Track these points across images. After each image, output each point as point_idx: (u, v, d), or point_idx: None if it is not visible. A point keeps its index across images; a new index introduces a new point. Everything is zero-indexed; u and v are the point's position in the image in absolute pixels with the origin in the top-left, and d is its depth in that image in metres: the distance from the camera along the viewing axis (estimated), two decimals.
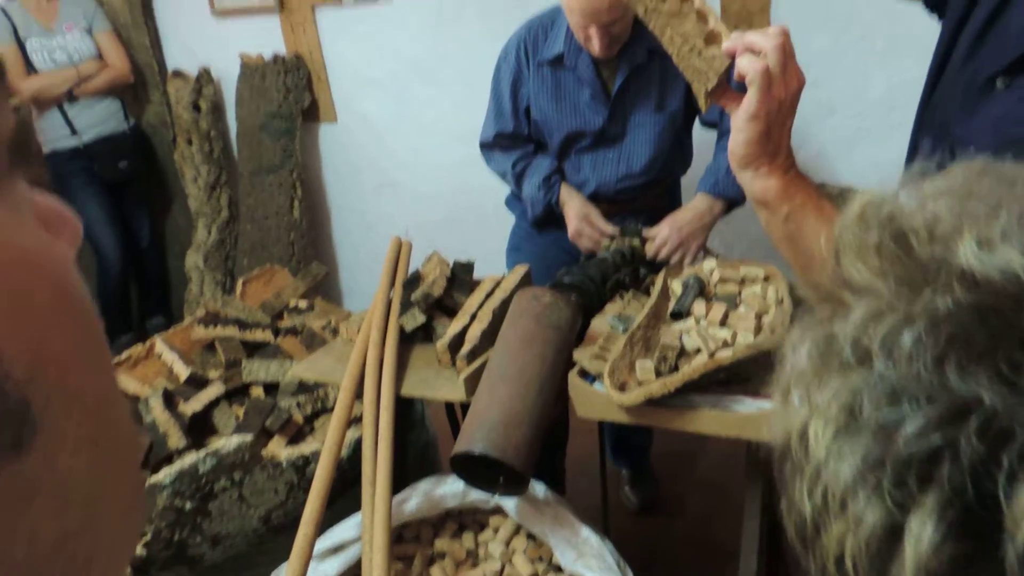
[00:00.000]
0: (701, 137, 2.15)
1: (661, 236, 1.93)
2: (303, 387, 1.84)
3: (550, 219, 2.10)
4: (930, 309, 0.31)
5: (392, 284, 1.84)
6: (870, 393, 0.32)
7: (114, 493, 0.27)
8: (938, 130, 1.04)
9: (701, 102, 0.92)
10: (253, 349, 2.01)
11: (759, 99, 0.82)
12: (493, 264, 2.21)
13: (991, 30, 0.98)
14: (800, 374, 0.36)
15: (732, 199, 1.98)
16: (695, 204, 1.97)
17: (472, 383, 1.49)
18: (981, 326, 0.30)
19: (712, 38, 0.89)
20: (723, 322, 1.49)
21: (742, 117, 0.84)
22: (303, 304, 2.21)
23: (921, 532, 0.29)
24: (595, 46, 1.80)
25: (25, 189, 0.26)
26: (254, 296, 2.23)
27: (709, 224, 1.98)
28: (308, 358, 1.79)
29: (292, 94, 3.18)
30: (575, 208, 2.01)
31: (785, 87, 0.82)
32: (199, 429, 1.77)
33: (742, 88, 0.87)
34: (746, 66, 0.83)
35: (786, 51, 0.82)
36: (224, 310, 2.09)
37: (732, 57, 0.86)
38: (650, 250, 1.92)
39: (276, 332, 2.02)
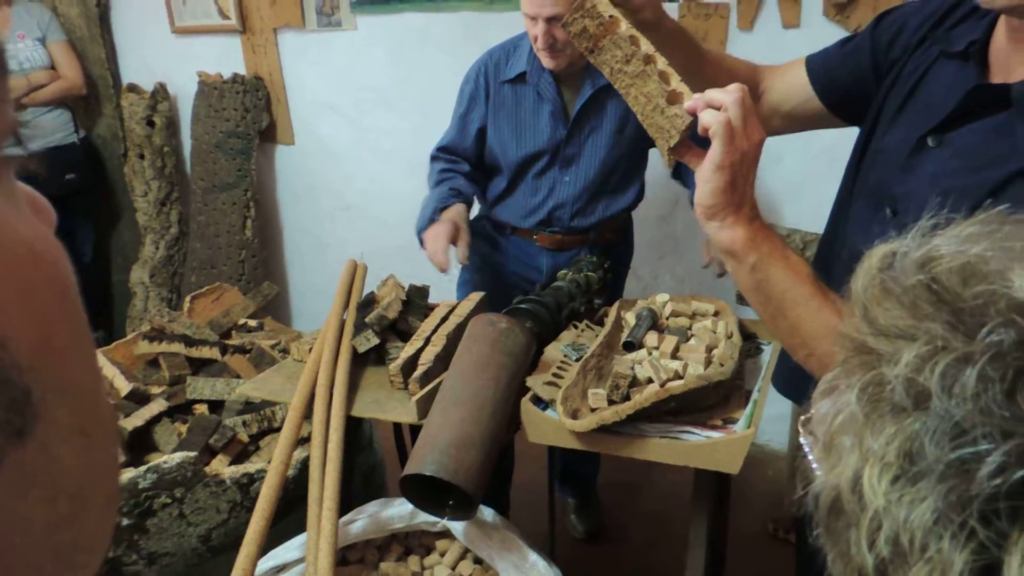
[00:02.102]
0: (653, 175, 2.20)
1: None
2: (249, 406, 1.81)
3: (496, 246, 2.09)
4: (992, 344, 0.32)
5: (346, 305, 1.83)
6: (932, 434, 0.32)
7: (99, 482, 0.27)
8: (874, 188, 1.09)
9: (664, 159, 0.95)
10: (199, 366, 1.97)
11: (723, 150, 0.85)
12: (446, 293, 2.21)
13: (912, 99, 1.05)
14: (847, 422, 0.36)
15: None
16: None
17: (424, 406, 1.49)
18: None
19: (674, 98, 0.93)
20: (674, 354, 1.52)
21: (708, 168, 0.87)
22: (252, 323, 2.18)
23: (1022, 568, 0.29)
24: (540, 44, 1.83)
25: (15, 181, 0.27)
26: (202, 313, 2.19)
27: None
28: (257, 377, 1.76)
29: (250, 114, 3.16)
30: (453, 217, 1.95)
31: (747, 138, 0.86)
32: (139, 446, 1.72)
33: (704, 144, 0.91)
34: (709, 120, 0.86)
35: (745, 105, 0.86)
36: (170, 326, 2.05)
37: (694, 115, 0.90)
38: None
39: (224, 350, 1.99)
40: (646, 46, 0.96)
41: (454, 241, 1.92)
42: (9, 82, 0.26)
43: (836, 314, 0.90)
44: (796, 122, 1.28)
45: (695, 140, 0.94)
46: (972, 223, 0.38)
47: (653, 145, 2.06)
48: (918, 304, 0.35)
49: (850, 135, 1.23)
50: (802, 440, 0.44)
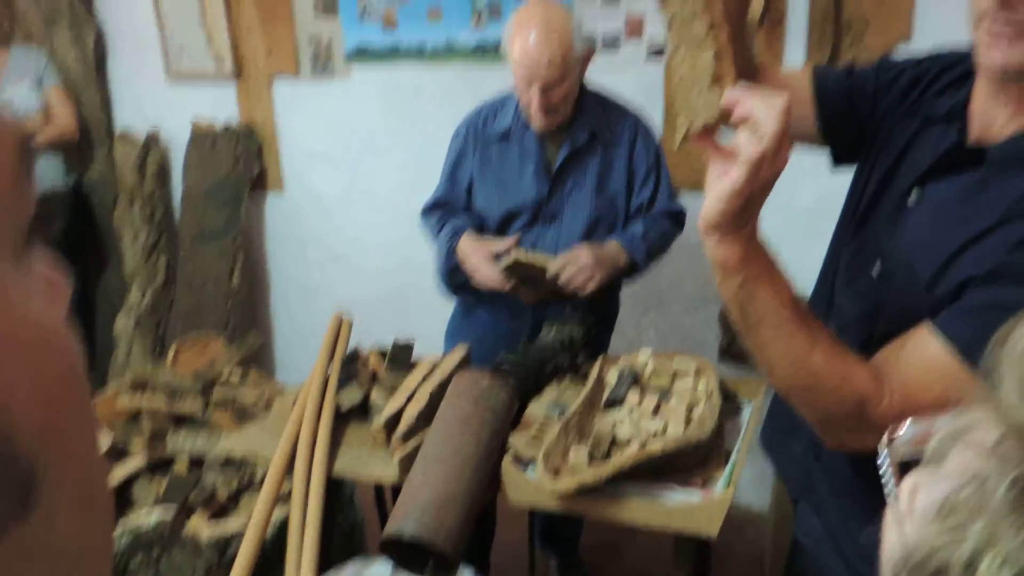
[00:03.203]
0: None
1: (585, 262, 1.90)
2: (229, 461, 1.80)
3: (456, 281, 2.12)
4: None
5: (330, 360, 1.83)
6: None
7: (97, 548, 0.29)
8: (861, 245, 1.11)
9: (676, 138, 0.88)
10: (180, 420, 1.95)
11: (746, 179, 0.82)
12: (434, 343, 2.22)
13: (900, 163, 1.07)
14: (985, 503, 0.35)
15: (635, 263, 2.01)
16: (606, 245, 1.98)
17: (406, 464, 1.48)
18: None
19: (719, 80, 0.85)
20: (655, 412, 1.53)
21: (725, 190, 0.83)
22: (236, 375, 2.17)
23: None
24: (533, 107, 1.87)
25: (35, 260, 0.28)
26: (186, 364, 2.18)
27: (610, 267, 1.95)
28: (238, 432, 1.76)
29: (241, 162, 3.19)
30: (470, 243, 1.99)
31: (772, 169, 0.82)
32: (117, 502, 1.70)
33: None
34: (743, 145, 0.81)
35: (783, 137, 0.81)
36: (153, 378, 2.04)
37: (728, 110, 0.84)
38: (572, 276, 1.89)
39: (207, 404, 1.98)
40: (717, 12, 0.87)
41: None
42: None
43: (805, 342, 0.91)
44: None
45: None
46: None
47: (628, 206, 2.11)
48: None
49: (833, 195, 1.25)
50: (882, 457, 0.43)
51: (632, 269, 2.03)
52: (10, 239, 0.26)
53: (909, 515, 0.40)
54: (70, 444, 0.26)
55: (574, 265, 1.90)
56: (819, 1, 2.26)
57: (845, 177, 1.23)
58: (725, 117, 0.84)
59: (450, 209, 2.14)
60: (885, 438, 0.46)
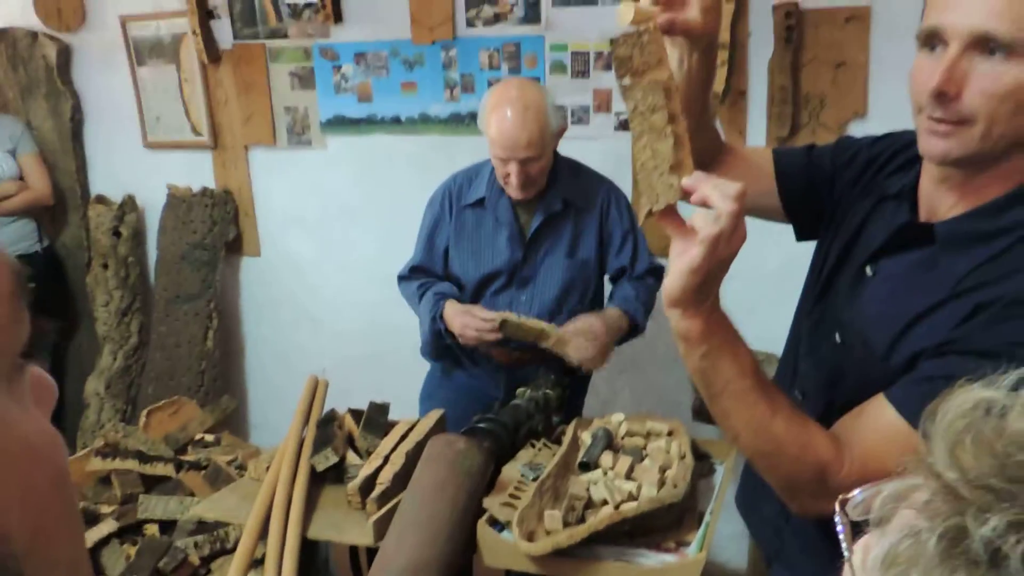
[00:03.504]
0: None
1: (601, 342, 1.97)
2: (202, 526, 1.78)
3: (441, 348, 2.14)
4: None
5: (306, 422, 1.84)
6: None
7: None
8: (822, 316, 1.17)
9: (640, 216, 0.94)
10: (152, 483, 1.94)
11: (704, 258, 0.86)
12: (408, 405, 2.23)
13: (857, 238, 1.13)
14: (919, 555, 0.39)
15: (637, 325, 2.09)
16: (611, 314, 2.06)
17: (381, 526, 1.49)
18: None
19: (677, 167, 0.90)
20: (629, 475, 1.55)
21: (684, 267, 0.88)
22: (210, 438, 2.16)
23: None
24: (513, 182, 1.94)
25: (26, 374, 0.30)
26: (158, 427, 2.16)
27: (616, 334, 2.04)
28: (212, 496, 1.75)
29: (218, 226, 3.22)
30: (456, 307, 2.05)
31: (729, 247, 0.87)
32: None
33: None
34: (700, 224, 0.86)
35: (738, 220, 0.86)
36: (124, 441, 2.03)
37: (687, 193, 0.89)
38: (590, 358, 1.95)
39: (179, 466, 1.97)
40: (676, 104, 0.93)
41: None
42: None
43: (767, 410, 0.95)
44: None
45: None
46: None
47: (605, 269, 2.18)
48: (1016, 472, 0.38)
49: (798, 259, 1.31)
50: (837, 519, 0.47)
51: (633, 332, 2.09)
52: (7, 367, 0.28)
53: (863, 571, 0.44)
54: (57, 546, 0.28)
55: (590, 337, 1.95)
56: (777, 78, 2.38)
57: (804, 248, 1.29)
58: (685, 198, 0.89)
59: (428, 275, 2.19)
60: (838, 503, 0.50)
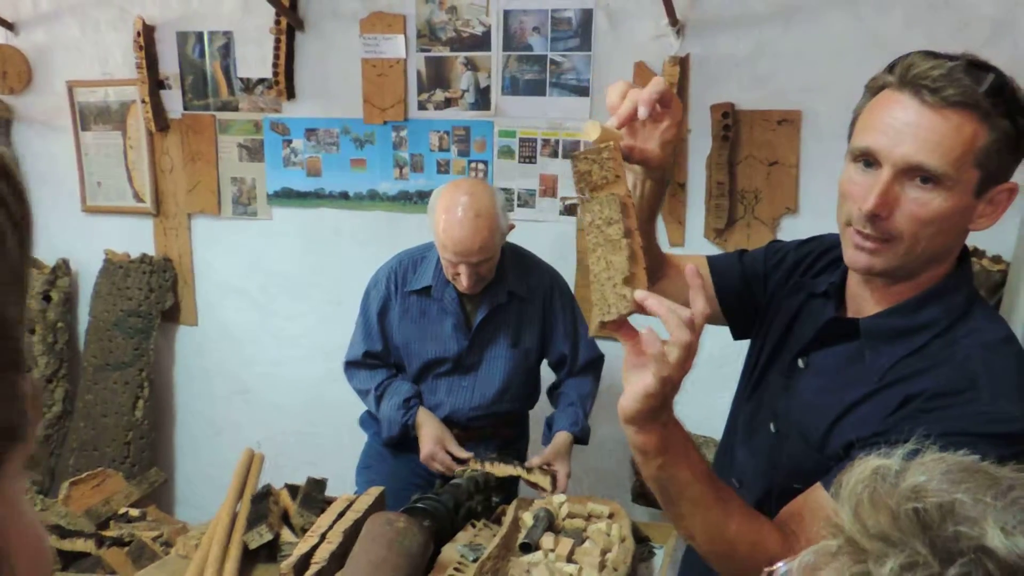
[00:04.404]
0: (548, 381, 2.30)
1: (563, 472, 2.04)
2: None
3: (404, 441, 2.14)
4: (962, 573, 0.42)
5: (240, 497, 1.79)
6: None
7: None
8: (758, 406, 1.22)
9: (592, 325, 0.95)
10: (71, 560, 1.84)
11: (657, 383, 0.89)
12: (344, 481, 2.19)
13: (789, 332, 1.20)
14: None
15: (584, 441, 2.17)
16: (563, 441, 2.11)
17: None
18: None
19: (631, 279, 0.93)
20: (570, 557, 1.55)
21: (640, 392, 0.91)
22: (135, 512, 2.08)
23: None
24: (463, 282, 1.97)
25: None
26: (80, 500, 2.07)
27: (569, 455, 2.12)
28: (135, 574, 1.67)
29: (155, 294, 3.16)
30: (431, 432, 2.07)
31: (682, 371, 0.90)
32: None
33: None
34: (652, 350, 0.88)
35: (691, 349, 0.89)
36: (43, 515, 1.93)
37: (638, 306, 0.91)
38: (560, 484, 1.99)
39: (100, 542, 1.88)
40: (632, 220, 0.96)
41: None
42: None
43: (721, 514, 0.98)
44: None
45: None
46: (951, 462, 0.50)
47: (544, 357, 2.22)
48: (906, 523, 0.45)
49: (735, 346, 1.36)
50: None
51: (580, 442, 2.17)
52: (26, 455, 0.31)
53: None
54: None
55: (563, 473, 2.04)
56: (715, 173, 2.50)
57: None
58: (637, 311, 0.92)
59: (380, 361, 2.18)
60: (764, 573, 0.55)
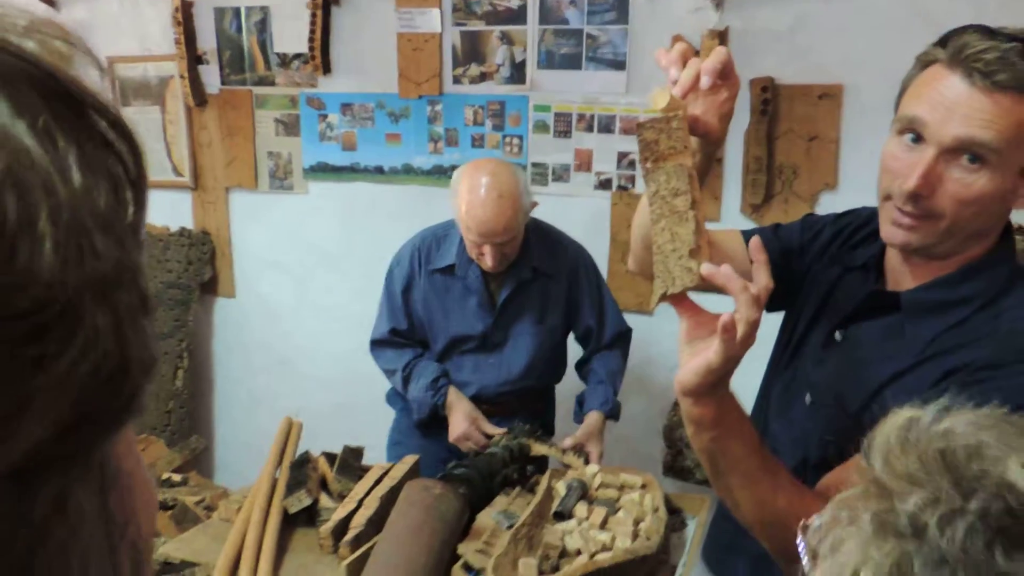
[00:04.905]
0: (574, 355, 2.31)
1: (596, 453, 2.05)
2: (169, 566, 1.74)
3: (433, 421, 2.16)
4: (983, 508, 0.43)
5: (279, 463, 1.83)
6: (922, 557, 0.43)
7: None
8: (793, 378, 1.22)
9: (654, 298, 0.96)
10: None
11: (722, 358, 0.90)
12: (379, 451, 2.22)
13: (825, 305, 1.19)
14: (857, 533, 0.47)
15: (615, 418, 2.18)
16: (595, 421, 2.11)
17: (355, 570, 1.47)
18: (1022, 524, 0.43)
19: (696, 252, 0.93)
20: (603, 525, 1.56)
21: (701, 368, 0.92)
22: (177, 477, 2.13)
23: None
24: (487, 261, 1.98)
25: None
26: None
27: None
28: (180, 536, 1.72)
29: (193, 266, 3.22)
30: (463, 411, 2.08)
31: (744, 347, 0.92)
32: None
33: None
34: (725, 322, 0.89)
35: (756, 326, 0.90)
36: None
37: (704, 280, 0.92)
38: (592, 464, 1.98)
39: None
40: (697, 191, 0.95)
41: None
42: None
43: (770, 487, 0.99)
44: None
45: None
46: (981, 414, 0.52)
47: (570, 332, 2.22)
48: (932, 463, 0.47)
49: (767, 328, 1.36)
50: (799, 541, 0.54)
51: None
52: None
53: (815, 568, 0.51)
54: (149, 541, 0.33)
55: (590, 446, 2.07)
56: (753, 149, 2.48)
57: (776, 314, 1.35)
58: (700, 284, 0.93)
59: (406, 339, 2.19)
60: (800, 528, 0.56)
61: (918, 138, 0.98)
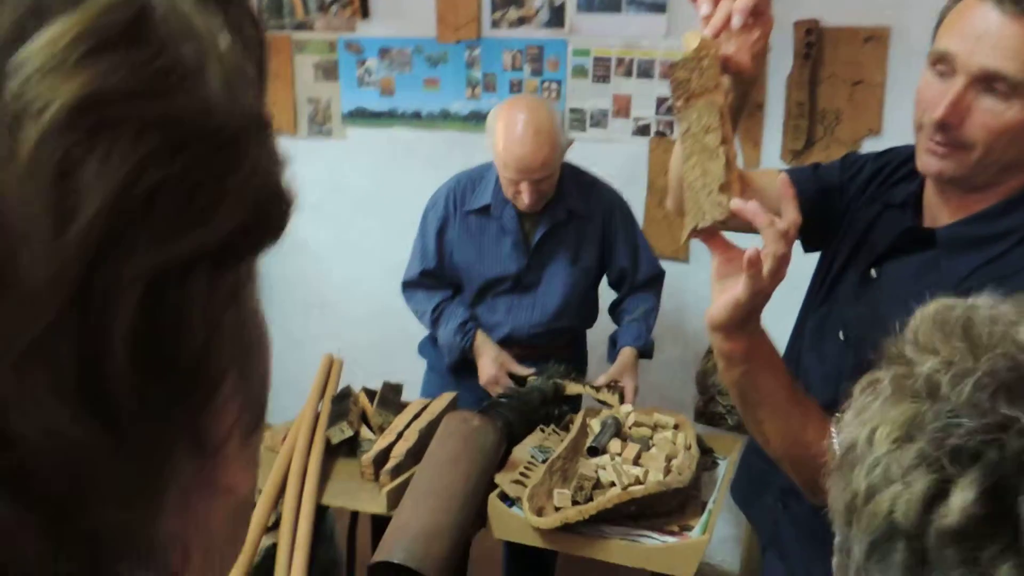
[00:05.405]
0: (606, 300, 2.32)
1: (631, 387, 2.06)
2: None
3: (463, 365, 2.19)
4: (991, 365, 0.47)
5: (321, 397, 1.89)
6: (933, 413, 0.46)
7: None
8: (827, 314, 1.23)
9: (684, 233, 0.98)
10: None
11: (750, 292, 0.91)
12: (416, 391, 2.27)
13: (863, 243, 1.19)
14: (878, 396, 0.51)
15: (648, 355, 2.18)
16: (629, 356, 2.12)
17: (394, 497, 1.53)
18: None
19: (727, 187, 0.94)
20: (636, 461, 1.60)
21: (730, 302, 0.93)
22: None
23: (965, 492, 0.43)
24: (524, 200, 1.99)
25: None
26: None
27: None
28: None
29: None
30: (490, 355, 2.11)
31: (773, 282, 0.92)
32: None
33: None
34: (751, 257, 0.89)
35: (785, 260, 0.91)
36: None
37: (733, 214, 0.93)
38: (627, 404, 2.00)
39: None
40: (728, 128, 0.96)
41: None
42: None
43: (800, 420, 1.01)
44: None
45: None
46: (1004, 300, 0.55)
47: (603, 275, 2.23)
48: (953, 332, 0.50)
49: (801, 269, 1.36)
50: (832, 428, 0.57)
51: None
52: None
53: (839, 439, 0.55)
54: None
55: (624, 381, 2.06)
56: (795, 94, 2.44)
57: (813, 256, 1.35)
58: (729, 220, 0.94)
59: (438, 281, 2.22)
60: (832, 420, 0.59)
61: (949, 69, 0.97)
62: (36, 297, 0.19)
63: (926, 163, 1.03)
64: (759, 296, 0.92)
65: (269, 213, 0.27)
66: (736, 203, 0.93)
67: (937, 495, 0.44)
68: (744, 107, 1.12)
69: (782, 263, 0.91)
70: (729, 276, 0.97)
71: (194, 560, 0.26)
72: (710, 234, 0.98)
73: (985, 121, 0.95)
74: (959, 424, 0.45)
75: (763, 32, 1.02)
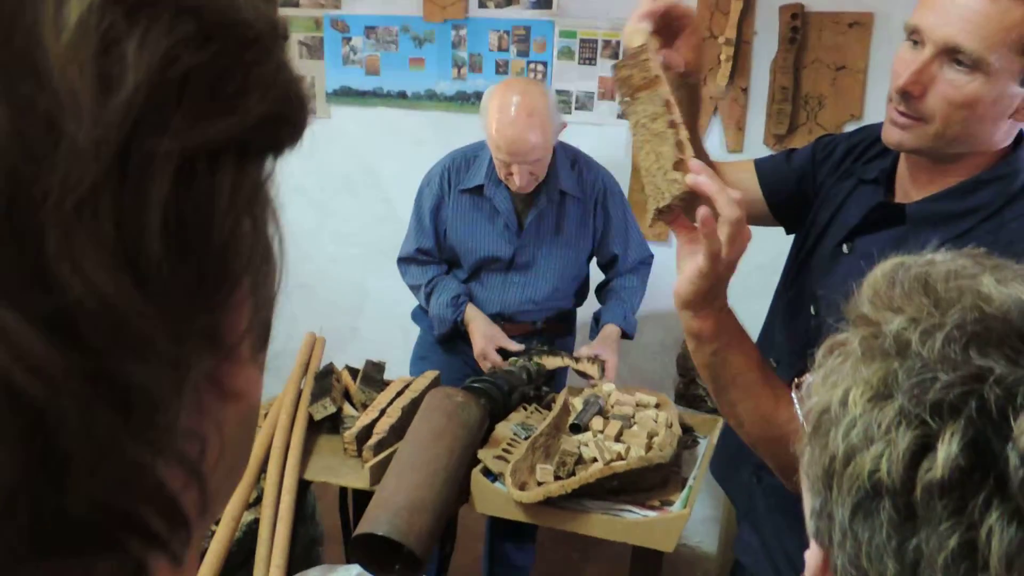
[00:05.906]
0: (596, 280, 2.34)
1: (612, 362, 2.07)
2: None
3: (455, 335, 2.20)
4: (959, 318, 0.47)
5: (304, 374, 1.89)
6: (906, 370, 0.47)
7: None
8: (800, 290, 1.24)
9: (647, 217, 1.00)
10: None
11: (710, 263, 0.92)
12: (398, 373, 2.27)
13: (835, 218, 1.21)
14: (847, 358, 0.51)
15: (630, 336, 2.19)
16: (611, 332, 2.14)
17: (377, 472, 1.54)
18: (995, 328, 0.46)
19: (680, 165, 0.96)
20: (618, 438, 1.61)
21: (692, 271, 0.94)
22: None
23: (949, 445, 0.43)
24: (516, 181, 1.99)
25: None
26: None
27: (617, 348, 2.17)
28: None
29: None
30: (481, 329, 2.12)
31: (733, 251, 0.93)
32: None
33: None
34: (706, 232, 0.91)
35: (740, 225, 0.92)
36: None
37: (691, 192, 0.94)
38: (609, 373, 2.02)
39: None
40: (675, 114, 0.99)
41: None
42: None
43: (771, 400, 1.02)
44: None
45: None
46: (958, 254, 0.56)
47: (593, 257, 2.24)
48: (913, 289, 0.51)
49: (782, 254, 1.38)
50: (793, 395, 0.59)
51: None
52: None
53: (807, 407, 0.55)
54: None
55: (604, 356, 2.06)
56: (779, 78, 2.45)
57: (789, 240, 1.37)
58: (688, 197, 0.95)
59: (432, 258, 2.22)
60: (794, 386, 0.61)
61: (921, 41, 0.99)
62: (85, 155, 0.21)
63: (888, 133, 1.05)
64: (720, 265, 0.92)
65: (290, 109, 0.28)
66: (690, 177, 0.94)
67: (921, 450, 0.44)
68: (696, 99, 1.16)
69: (738, 228, 0.91)
70: (693, 253, 0.97)
71: (209, 460, 0.26)
72: (673, 216, 0.98)
73: (946, 92, 0.97)
74: (935, 379, 0.45)
75: (691, 27, 1.07)
